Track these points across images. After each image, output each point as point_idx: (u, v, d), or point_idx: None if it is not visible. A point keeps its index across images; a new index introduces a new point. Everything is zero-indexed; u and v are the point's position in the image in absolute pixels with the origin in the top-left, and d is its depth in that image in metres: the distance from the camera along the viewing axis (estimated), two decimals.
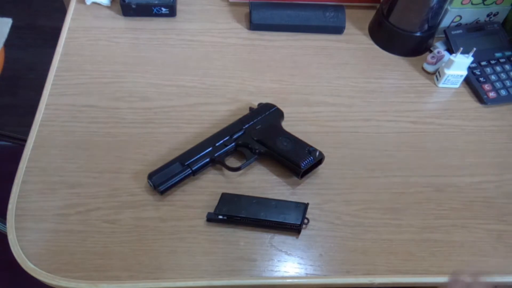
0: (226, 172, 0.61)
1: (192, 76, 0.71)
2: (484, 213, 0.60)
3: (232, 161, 0.62)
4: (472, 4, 0.77)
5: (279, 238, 0.56)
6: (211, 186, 0.60)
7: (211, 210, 0.57)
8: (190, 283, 0.52)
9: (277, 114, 0.65)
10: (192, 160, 0.58)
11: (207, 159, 0.59)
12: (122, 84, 0.69)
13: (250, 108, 0.66)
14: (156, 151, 0.62)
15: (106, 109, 0.66)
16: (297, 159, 0.58)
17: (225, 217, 0.55)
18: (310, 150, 0.59)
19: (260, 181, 0.61)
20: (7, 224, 0.54)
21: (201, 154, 0.59)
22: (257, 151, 0.60)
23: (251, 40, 0.78)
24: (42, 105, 0.65)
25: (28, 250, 0.52)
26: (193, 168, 0.58)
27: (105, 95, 0.67)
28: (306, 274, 0.54)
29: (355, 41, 0.80)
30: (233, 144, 0.61)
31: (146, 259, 0.53)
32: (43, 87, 0.67)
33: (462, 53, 0.71)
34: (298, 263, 0.54)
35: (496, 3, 0.77)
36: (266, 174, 0.61)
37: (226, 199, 0.56)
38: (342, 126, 0.68)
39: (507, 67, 0.75)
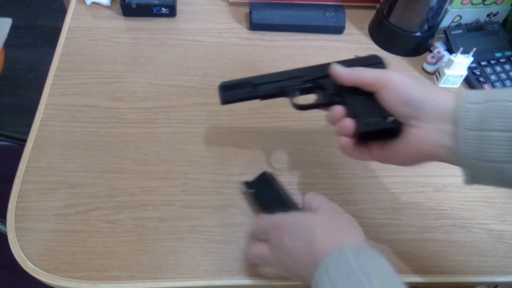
0: (228, 171, 0.61)
1: (192, 76, 0.71)
2: (484, 213, 0.60)
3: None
4: (472, 4, 0.77)
5: None
6: (211, 186, 0.60)
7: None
8: (190, 283, 0.52)
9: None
10: (264, 82, 0.55)
11: (278, 86, 0.54)
12: (122, 84, 0.69)
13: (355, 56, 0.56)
14: (156, 151, 0.62)
15: (106, 109, 0.66)
16: (362, 116, 0.48)
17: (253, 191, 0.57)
18: (383, 114, 0.47)
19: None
20: (7, 224, 0.54)
21: (274, 79, 0.55)
22: (330, 96, 0.52)
23: (251, 40, 0.78)
24: (42, 105, 0.65)
25: (28, 250, 0.52)
26: (259, 88, 0.54)
27: (105, 95, 0.67)
28: None
29: (355, 41, 0.80)
30: (311, 82, 0.54)
31: (146, 259, 0.53)
32: (43, 87, 0.67)
33: (462, 53, 0.71)
34: None
35: (496, 3, 0.77)
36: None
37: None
38: None
39: (507, 67, 0.75)
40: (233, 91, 0.55)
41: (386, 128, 0.47)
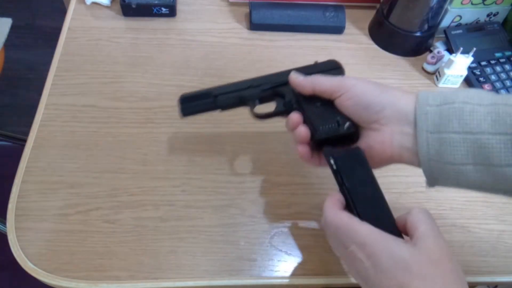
0: (228, 171, 0.61)
1: (192, 76, 0.71)
2: (484, 213, 0.60)
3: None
4: (472, 4, 0.77)
5: (279, 238, 0.56)
6: (211, 186, 0.60)
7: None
8: (190, 283, 0.52)
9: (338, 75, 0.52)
10: (223, 92, 0.54)
11: (237, 96, 0.54)
12: (122, 84, 0.69)
13: (315, 62, 0.55)
14: (156, 151, 0.62)
15: (106, 109, 0.66)
16: (317, 124, 0.47)
17: None
18: (339, 120, 0.46)
19: (260, 181, 0.61)
20: (7, 224, 0.54)
21: (233, 89, 0.54)
22: (288, 104, 0.52)
23: (251, 40, 0.78)
24: (42, 105, 0.65)
25: (28, 250, 0.52)
26: (219, 99, 0.54)
27: (105, 95, 0.67)
28: (306, 273, 0.54)
29: (355, 41, 0.80)
30: (272, 92, 0.53)
31: (146, 259, 0.53)
32: (43, 87, 0.67)
33: (462, 53, 0.71)
34: (298, 263, 0.54)
35: (496, 3, 0.77)
36: (267, 174, 0.61)
37: None
38: None
39: (507, 67, 0.75)
40: (193, 103, 0.54)
41: (341, 134, 0.46)
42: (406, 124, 0.42)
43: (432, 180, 0.43)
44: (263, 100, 0.54)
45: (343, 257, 0.43)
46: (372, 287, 0.38)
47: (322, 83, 0.47)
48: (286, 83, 0.51)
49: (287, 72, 0.52)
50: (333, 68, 0.53)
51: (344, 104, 0.45)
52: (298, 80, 0.49)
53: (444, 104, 0.41)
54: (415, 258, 0.36)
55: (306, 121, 0.49)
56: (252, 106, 0.54)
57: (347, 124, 0.46)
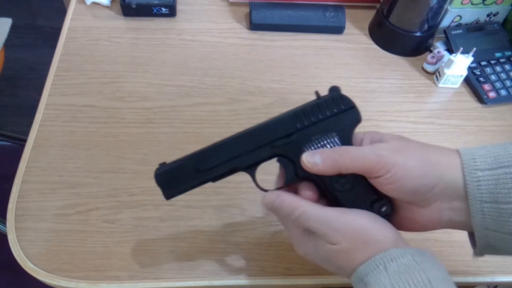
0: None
1: (192, 76, 0.71)
2: None
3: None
4: (472, 4, 0.77)
5: (279, 238, 0.56)
6: (211, 185, 0.59)
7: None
8: (190, 283, 0.52)
9: (352, 118, 0.41)
10: (211, 166, 0.42)
11: (230, 169, 0.43)
12: (122, 84, 0.69)
13: (316, 94, 0.43)
14: (156, 151, 0.62)
15: (106, 109, 0.66)
16: (347, 204, 0.40)
17: None
18: (373, 202, 0.40)
19: (260, 181, 0.60)
20: (7, 224, 0.54)
21: (223, 161, 0.42)
22: (303, 174, 0.40)
23: (251, 40, 0.78)
24: (42, 105, 0.65)
25: (28, 250, 0.52)
26: (210, 177, 0.43)
27: (105, 95, 0.67)
28: (306, 273, 0.54)
29: (355, 41, 0.80)
30: (271, 153, 0.42)
31: (146, 259, 0.53)
32: (43, 87, 0.67)
33: (462, 53, 0.71)
34: (298, 263, 0.54)
35: (496, 3, 0.77)
36: (267, 174, 0.61)
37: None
38: None
39: (507, 67, 0.75)
40: (176, 183, 0.43)
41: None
42: (456, 199, 0.38)
43: (486, 248, 0.39)
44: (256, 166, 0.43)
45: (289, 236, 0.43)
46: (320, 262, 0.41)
47: (349, 165, 0.38)
48: (288, 135, 0.41)
49: (285, 120, 0.41)
50: (347, 108, 0.41)
51: (384, 188, 0.38)
52: (317, 169, 0.39)
53: (498, 167, 0.36)
54: (339, 256, 0.38)
55: (326, 194, 0.41)
56: (253, 175, 0.44)
57: (385, 208, 0.40)
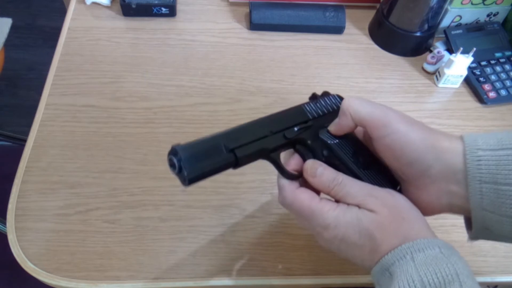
0: (228, 171, 0.59)
1: (192, 76, 0.71)
2: None
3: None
4: (472, 4, 0.77)
5: (279, 238, 0.56)
6: (211, 186, 0.60)
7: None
8: (190, 283, 0.52)
9: None
10: (239, 145, 0.40)
11: (259, 149, 0.41)
12: (122, 84, 0.69)
13: (313, 96, 0.47)
14: (156, 151, 0.62)
15: (106, 109, 0.66)
16: None
17: None
18: (390, 182, 0.42)
19: (260, 181, 0.61)
20: (7, 224, 0.54)
21: (253, 140, 0.40)
22: (323, 156, 0.42)
23: (251, 40, 0.78)
24: (42, 105, 0.65)
25: (28, 250, 0.52)
26: (239, 156, 0.39)
27: (105, 95, 0.67)
28: (306, 273, 0.54)
29: (355, 41, 0.80)
30: (295, 135, 0.42)
31: (146, 259, 0.53)
32: (43, 87, 0.67)
33: (462, 53, 0.71)
34: (298, 263, 0.54)
35: (496, 3, 0.77)
36: (266, 174, 0.61)
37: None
38: None
39: (507, 67, 0.75)
40: (201, 161, 0.38)
41: None
42: (454, 182, 0.38)
43: (482, 231, 0.38)
44: (280, 149, 0.43)
45: (311, 232, 0.42)
46: (346, 256, 0.39)
47: (360, 113, 0.40)
48: (306, 121, 0.43)
49: (300, 109, 0.44)
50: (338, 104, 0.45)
51: (385, 154, 0.40)
52: (339, 126, 0.42)
53: (500, 149, 0.36)
54: (375, 225, 0.37)
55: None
56: (277, 161, 0.42)
57: (399, 187, 0.42)
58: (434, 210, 0.41)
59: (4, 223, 0.55)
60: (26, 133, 0.62)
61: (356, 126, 0.41)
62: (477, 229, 0.39)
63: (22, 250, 0.52)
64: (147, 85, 0.69)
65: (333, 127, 0.42)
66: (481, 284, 0.57)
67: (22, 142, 1.20)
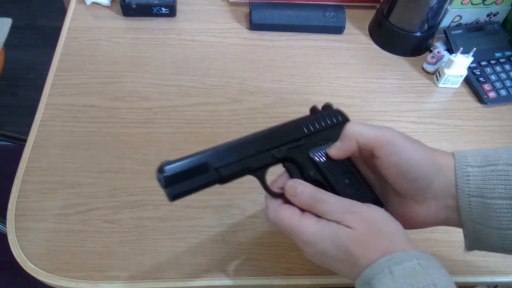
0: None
1: (192, 76, 0.71)
2: None
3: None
4: (472, 4, 0.77)
5: (279, 238, 0.56)
6: None
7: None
8: (190, 283, 0.52)
9: None
10: (225, 164, 0.41)
11: (245, 167, 0.42)
12: (122, 84, 0.69)
13: (313, 109, 0.46)
14: (156, 151, 0.62)
15: (106, 109, 0.66)
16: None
17: None
18: (374, 201, 0.43)
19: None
20: (7, 224, 0.54)
21: (240, 159, 0.42)
22: (309, 176, 0.42)
23: (251, 40, 0.78)
24: (42, 105, 0.65)
25: (28, 250, 0.52)
26: (223, 175, 0.41)
27: (105, 95, 0.67)
28: (306, 273, 0.54)
29: (355, 41, 0.80)
30: (282, 155, 0.43)
31: (146, 259, 0.53)
32: (43, 87, 0.67)
33: (462, 53, 0.71)
34: (298, 263, 0.54)
35: (496, 3, 0.77)
36: (266, 174, 0.61)
37: None
38: None
39: (507, 67, 0.75)
40: (185, 182, 0.40)
41: None
42: (450, 197, 0.40)
43: (474, 242, 0.41)
44: (268, 167, 0.44)
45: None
46: (330, 268, 0.40)
47: (365, 137, 0.40)
48: (299, 139, 0.43)
49: (294, 126, 0.44)
50: (343, 120, 0.45)
51: (389, 171, 0.40)
52: (341, 151, 0.42)
53: (486, 165, 0.39)
54: (352, 241, 0.38)
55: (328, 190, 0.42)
56: (263, 178, 0.43)
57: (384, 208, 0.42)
58: (431, 223, 0.43)
59: (4, 223, 0.55)
60: (26, 133, 0.62)
61: (358, 150, 0.41)
62: (470, 240, 0.41)
63: (22, 250, 0.52)
64: (147, 85, 0.69)
65: (334, 151, 0.42)
66: (481, 284, 0.57)
67: (22, 142, 1.20)
